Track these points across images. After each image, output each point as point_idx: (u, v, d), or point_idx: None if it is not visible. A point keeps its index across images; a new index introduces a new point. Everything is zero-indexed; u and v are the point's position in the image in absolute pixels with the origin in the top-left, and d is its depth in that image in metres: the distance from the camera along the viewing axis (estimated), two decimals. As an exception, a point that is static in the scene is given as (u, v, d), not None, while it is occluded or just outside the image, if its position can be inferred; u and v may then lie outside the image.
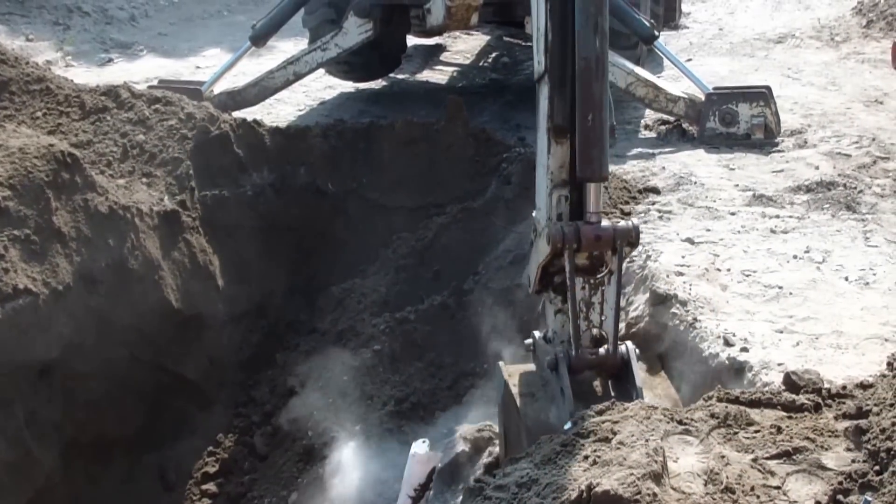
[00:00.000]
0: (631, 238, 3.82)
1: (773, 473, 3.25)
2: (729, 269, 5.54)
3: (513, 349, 5.31)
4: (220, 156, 7.17)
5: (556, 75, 3.80)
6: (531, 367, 4.33)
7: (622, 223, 3.81)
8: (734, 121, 8.37)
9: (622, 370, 3.98)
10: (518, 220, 6.95)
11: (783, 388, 3.92)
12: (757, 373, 4.43)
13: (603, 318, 3.94)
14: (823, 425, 3.52)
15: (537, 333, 4.26)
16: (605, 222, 3.80)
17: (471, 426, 5.05)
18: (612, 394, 4.03)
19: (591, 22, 3.52)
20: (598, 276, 3.89)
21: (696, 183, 7.21)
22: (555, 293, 4.10)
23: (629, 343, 4.02)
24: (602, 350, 3.97)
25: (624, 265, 5.27)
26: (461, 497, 4.88)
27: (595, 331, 3.98)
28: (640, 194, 7.00)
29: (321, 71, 10.21)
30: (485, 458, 4.94)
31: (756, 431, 3.48)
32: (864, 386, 3.81)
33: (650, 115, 9.26)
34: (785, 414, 3.63)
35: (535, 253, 4.11)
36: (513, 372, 4.34)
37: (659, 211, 6.61)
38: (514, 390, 4.22)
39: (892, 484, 3.07)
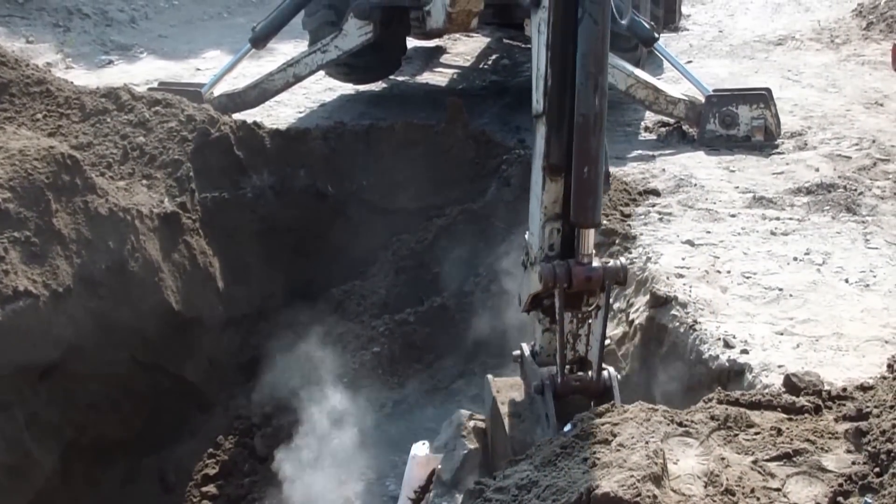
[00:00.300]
0: (619, 278, 3.93)
1: (773, 475, 3.25)
2: (729, 271, 5.54)
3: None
4: (221, 158, 7.17)
5: (553, 118, 3.92)
6: (518, 381, 4.48)
7: (611, 263, 3.92)
8: (734, 123, 8.37)
9: (605, 394, 4.13)
10: (517, 222, 6.94)
11: (783, 390, 3.92)
12: (757, 375, 4.43)
13: (588, 347, 4.10)
14: (823, 427, 3.52)
15: (525, 346, 4.38)
16: (595, 262, 3.91)
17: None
18: None
19: (591, 81, 3.62)
20: (586, 310, 4.06)
21: (696, 185, 7.22)
22: (543, 314, 4.25)
23: (611, 369, 4.17)
24: (586, 374, 4.14)
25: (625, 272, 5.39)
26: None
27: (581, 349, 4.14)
28: (640, 196, 7.00)
29: (321, 73, 10.21)
30: None
31: (756, 433, 3.48)
32: (864, 388, 3.81)
33: (650, 117, 9.27)
34: (785, 416, 3.63)
35: (527, 282, 4.26)
36: (501, 387, 4.46)
37: (659, 213, 6.61)
38: (503, 409, 4.35)
39: (892, 486, 3.07)
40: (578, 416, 3.73)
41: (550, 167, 3.97)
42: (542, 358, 4.25)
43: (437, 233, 7.17)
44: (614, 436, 3.38)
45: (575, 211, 3.79)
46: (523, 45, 12.00)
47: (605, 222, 6.28)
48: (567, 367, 4.11)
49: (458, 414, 4.49)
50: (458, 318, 6.53)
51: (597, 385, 4.11)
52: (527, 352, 4.36)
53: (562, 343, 4.06)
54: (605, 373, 4.12)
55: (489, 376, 4.65)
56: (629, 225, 6.36)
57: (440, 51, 13.07)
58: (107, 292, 5.80)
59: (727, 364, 4.62)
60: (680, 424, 3.50)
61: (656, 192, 7.10)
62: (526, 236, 4.40)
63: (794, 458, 3.32)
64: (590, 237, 3.87)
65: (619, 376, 4.24)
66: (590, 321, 4.08)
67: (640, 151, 8.34)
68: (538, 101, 4.03)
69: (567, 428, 3.68)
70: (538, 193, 4.09)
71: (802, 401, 3.72)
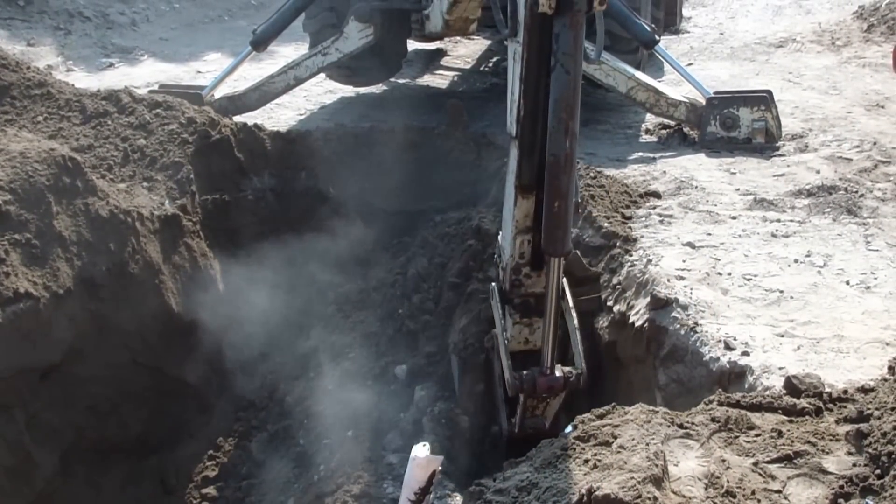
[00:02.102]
0: (577, 387, 4.39)
1: (773, 477, 3.25)
2: (730, 273, 5.54)
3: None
4: (221, 160, 7.17)
5: (525, 144, 4.17)
6: None
7: (573, 375, 4.34)
8: (735, 125, 8.38)
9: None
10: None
11: (784, 392, 3.92)
12: (758, 377, 4.42)
13: (545, 411, 4.69)
14: (824, 429, 3.52)
15: (497, 332, 4.73)
16: (557, 372, 4.33)
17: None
18: None
19: (562, 125, 3.81)
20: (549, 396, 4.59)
21: (696, 187, 7.22)
22: (514, 310, 4.65)
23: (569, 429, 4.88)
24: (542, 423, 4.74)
25: (624, 270, 5.40)
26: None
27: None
28: (640, 198, 7.00)
29: (322, 75, 10.22)
30: None
31: (757, 435, 3.48)
32: (865, 390, 3.82)
33: (651, 120, 9.27)
34: (786, 418, 3.63)
35: (494, 307, 4.74)
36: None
37: (660, 215, 6.61)
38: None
39: (893, 488, 3.07)
40: (579, 417, 3.74)
41: (522, 186, 4.24)
42: (513, 346, 4.64)
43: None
44: (615, 437, 3.39)
45: (545, 241, 4.01)
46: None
47: (605, 224, 6.29)
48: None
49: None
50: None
51: (548, 432, 4.60)
52: (500, 345, 4.68)
53: (523, 412, 4.63)
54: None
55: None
56: (630, 227, 6.36)
57: (441, 53, 13.09)
58: (107, 294, 5.79)
59: (728, 366, 4.61)
60: (680, 426, 3.50)
61: (657, 195, 7.10)
62: (499, 239, 4.75)
63: (795, 460, 3.33)
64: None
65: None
66: (549, 400, 4.60)
67: (640, 154, 8.34)
68: (511, 125, 4.27)
69: (568, 429, 3.69)
70: (510, 208, 4.40)
71: (803, 403, 3.72)
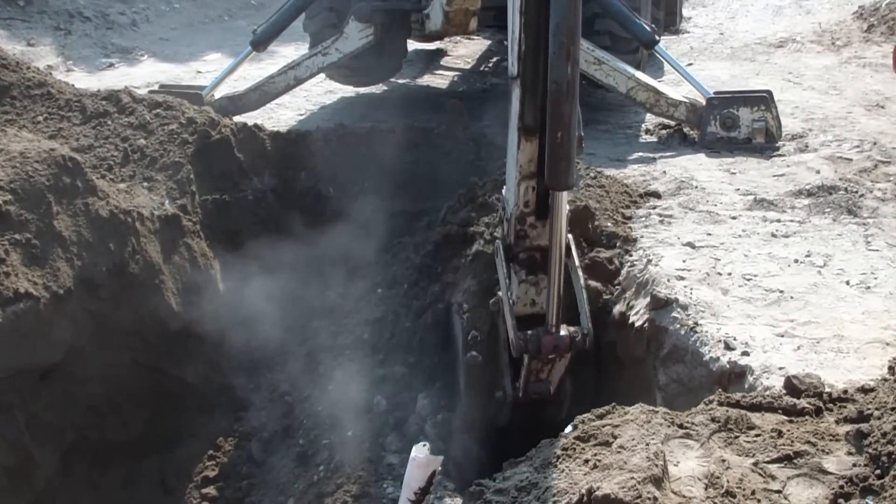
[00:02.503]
0: (583, 347, 4.36)
1: (773, 477, 3.25)
2: (730, 274, 5.54)
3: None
4: (221, 160, 7.17)
5: (527, 80, 4.05)
6: None
7: (578, 335, 4.31)
8: (735, 125, 8.38)
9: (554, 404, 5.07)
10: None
11: (784, 392, 3.92)
12: (758, 377, 4.42)
13: (550, 375, 4.63)
14: (824, 429, 3.52)
15: (502, 293, 4.62)
16: (562, 331, 4.28)
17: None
18: None
19: (563, 50, 3.72)
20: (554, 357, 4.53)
21: (696, 187, 7.22)
22: (520, 266, 4.51)
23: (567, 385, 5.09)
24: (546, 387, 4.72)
25: (624, 270, 5.42)
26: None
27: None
28: (641, 198, 7.00)
29: (322, 75, 10.22)
30: None
31: (757, 435, 3.48)
32: (865, 390, 3.81)
33: (651, 120, 9.27)
34: (786, 418, 3.63)
35: (499, 266, 4.62)
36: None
37: (660, 215, 6.61)
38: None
39: (893, 488, 3.07)
40: (579, 417, 3.74)
41: (525, 128, 4.11)
42: (519, 307, 4.54)
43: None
44: (615, 437, 3.39)
45: (549, 175, 3.91)
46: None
47: (606, 224, 6.29)
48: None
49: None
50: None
51: (552, 397, 4.75)
52: (504, 304, 4.58)
53: (527, 374, 4.56)
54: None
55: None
56: (630, 227, 6.36)
57: (441, 53, 13.09)
58: (107, 294, 5.79)
59: (728, 366, 4.61)
60: (680, 426, 3.50)
61: (657, 195, 7.10)
62: (503, 191, 4.61)
63: (795, 460, 3.32)
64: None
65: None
66: (551, 364, 4.54)
67: (640, 154, 8.35)
68: (513, 64, 4.15)
69: (568, 429, 3.69)
70: (514, 153, 4.24)
71: (803, 403, 3.72)
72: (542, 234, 4.37)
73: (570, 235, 4.42)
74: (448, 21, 8.31)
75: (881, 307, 5.06)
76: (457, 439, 5.62)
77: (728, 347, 4.72)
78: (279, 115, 10.01)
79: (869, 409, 3.57)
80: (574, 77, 3.74)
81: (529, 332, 4.30)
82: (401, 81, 11.61)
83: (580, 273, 4.51)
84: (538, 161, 4.15)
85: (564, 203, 4.06)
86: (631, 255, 5.92)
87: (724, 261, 5.73)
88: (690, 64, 11.52)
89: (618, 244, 6.09)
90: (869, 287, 5.33)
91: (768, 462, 3.32)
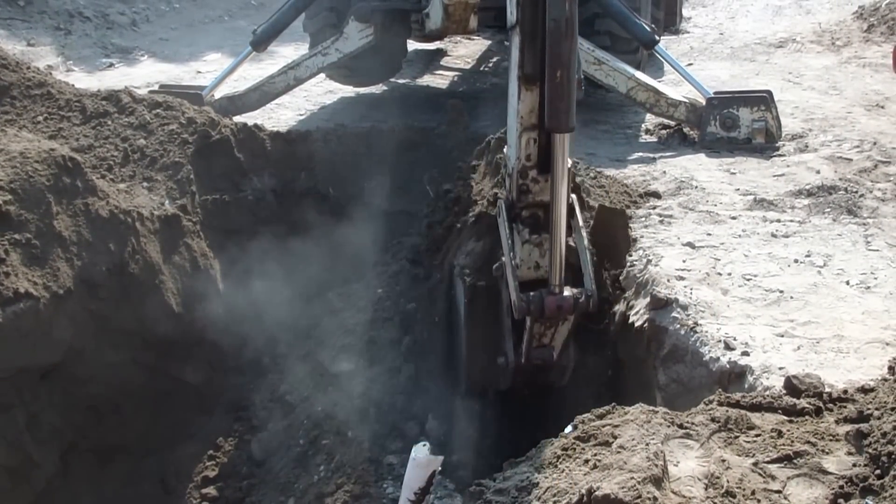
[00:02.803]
0: (587, 309, 4.33)
1: (773, 477, 3.25)
2: (730, 274, 5.54)
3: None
4: (221, 160, 7.16)
5: (526, 27, 4.00)
6: None
7: (582, 296, 4.28)
8: (735, 125, 8.38)
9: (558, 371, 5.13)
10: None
11: (784, 392, 3.92)
12: (758, 377, 4.42)
13: (553, 339, 4.63)
14: (824, 429, 3.51)
15: (507, 269, 4.54)
16: (566, 291, 4.24)
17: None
18: None
19: None
20: (557, 320, 4.53)
21: (696, 187, 7.22)
22: (522, 225, 4.46)
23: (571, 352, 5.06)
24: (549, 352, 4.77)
25: (625, 270, 5.41)
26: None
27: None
28: (640, 198, 7.00)
29: (322, 76, 10.22)
30: None
31: (757, 435, 3.48)
32: (865, 390, 3.81)
33: (651, 120, 9.27)
34: (786, 418, 3.63)
35: (502, 227, 4.52)
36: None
37: (660, 215, 6.61)
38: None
39: (893, 488, 3.06)
40: (579, 417, 3.73)
41: (525, 77, 4.06)
42: (523, 271, 4.47)
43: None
44: (615, 437, 3.38)
45: (549, 116, 3.87)
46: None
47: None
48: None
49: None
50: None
51: (555, 364, 4.77)
52: (507, 266, 4.51)
53: (529, 340, 4.53)
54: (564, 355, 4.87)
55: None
56: (630, 227, 6.36)
57: (441, 53, 13.09)
58: (107, 294, 5.79)
59: (728, 366, 4.61)
60: (680, 426, 3.49)
61: (657, 195, 7.10)
62: (505, 150, 4.58)
63: (795, 460, 3.32)
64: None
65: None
66: (555, 327, 4.53)
67: (640, 154, 8.35)
68: (512, 13, 4.10)
69: (568, 429, 3.68)
70: (514, 105, 4.19)
71: (803, 403, 3.72)
72: (544, 190, 4.29)
73: (573, 196, 4.34)
74: (448, 17, 8.29)
75: (881, 307, 5.06)
76: (459, 407, 5.63)
77: (728, 347, 4.71)
78: (279, 116, 10.01)
79: (869, 409, 3.57)
80: (573, 15, 3.70)
81: (532, 293, 4.24)
82: (401, 81, 11.61)
83: (584, 233, 4.44)
84: (539, 111, 4.09)
85: (566, 150, 3.98)
86: (631, 255, 5.92)
87: (723, 261, 5.73)
88: (690, 64, 11.52)
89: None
90: (869, 287, 5.33)
91: (768, 462, 3.32)
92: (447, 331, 5.83)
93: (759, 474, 3.26)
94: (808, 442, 3.43)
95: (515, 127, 4.21)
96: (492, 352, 5.16)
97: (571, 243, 4.52)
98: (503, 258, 4.59)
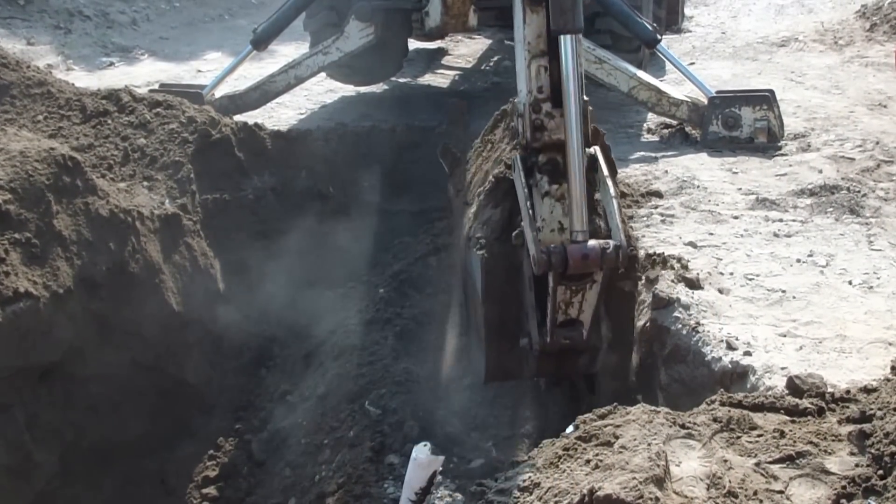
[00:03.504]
0: (615, 263, 3.90)
1: (776, 478, 3.24)
2: (732, 273, 5.53)
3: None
4: (222, 159, 7.15)
5: None
6: None
7: (610, 247, 3.85)
8: (737, 124, 8.36)
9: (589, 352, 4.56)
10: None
11: (786, 392, 3.91)
12: (760, 377, 4.41)
13: (581, 311, 4.15)
14: (827, 429, 3.50)
15: (526, 226, 4.12)
16: (591, 242, 3.83)
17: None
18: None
19: None
20: (583, 283, 4.03)
21: (698, 187, 7.20)
22: (541, 174, 4.08)
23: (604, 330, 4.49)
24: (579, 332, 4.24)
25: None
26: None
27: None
28: (642, 198, 6.98)
29: (322, 75, 10.21)
30: None
31: (759, 436, 3.47)
32: (867, 390, 3.80)
33: (653, 119, 9.25)
34: (788, 418, 3.62)
35: (518, 184, 4.17)
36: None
37: (661, 215, 6.60)
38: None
39: (895, 488, 3.05)
40: (581, 417, 3.72)
41: None
42: (546, 234, 4.04)
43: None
44: (617, 438, 3.37)
45: (554, 18, 3.67)
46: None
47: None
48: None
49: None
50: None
51: (585, 343, 4.25)
52: (525, 223, 4.09)
53: (553, 308, 4.06)
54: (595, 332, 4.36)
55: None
56: (631, 227, 6.34)
57: (442, 52, 13.08)
58: (107, 294, 5.78)
59: (730, 366, 4.60)
60: (682, 426, 3.48)
61: (659, 194, 7.09)
62: (513, 100, 4.32)
63: (798, 461, 3.31)
64: (581, 207, 3.76)
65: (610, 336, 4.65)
66: (584, 292, 4.04)
67: (642, 153, 8.33)
68: None
69: (569, 429, 3.68)
70: (520, 32, 3.98)
71: (805, 403, 3.71)
72: (560, 127, 3.95)
73: (596, 148, 4.02)
74: (447, 12, 8.27)
75: (884, 307, 5.04)
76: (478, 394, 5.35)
77: (730, 347, 4.70)
78: (280, 115, 10.00)
79: (871, 409, 3.56)
80: None
81: (553, 244, 3.84)
82: (401, 81, 11.60)
83: (609, 182, 4.08)
84: (547, 36, 3.86)
85: (577, 56, 3.71)
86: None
87: (726, 260, 5.72)
88: (692, 63, 11.50)
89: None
90: (871, 287, 5.31)
91: (770, 462, 3.31)
92: (464, 314, 5.41)
93: (762, 474, 3.25)
94: (811, 442, 3.42)
95: (524, 56, 3.96)
96: (514, 334, 4.60)
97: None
98: (522, 224, 4.17)
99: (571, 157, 3.81)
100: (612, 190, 4.08)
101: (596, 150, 4.12)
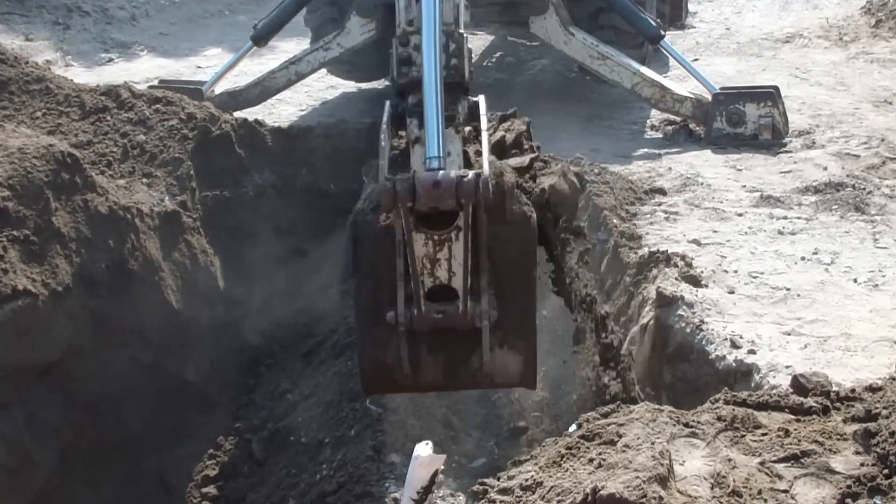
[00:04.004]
0: (476, 196, 3.23)
1: (780, 477, 3.21)
2: (736, 271, 5.50)
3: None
4: (222, 156, 7.13)
5: None
6: None
7: (471, 173, 3.25)
8: (741, 121, 8.32)
9: (474, 333, 3.60)
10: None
11: (791, 390, 3.88)
12: (764, 375, 4.38)
13: (452, 273, 3.46)
14: (832, 428, 3.48)
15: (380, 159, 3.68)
16: (451, 172, 3.26)
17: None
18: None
19: None
20: (444, 232, 3.38)
21: (702, 184, 7.17)
22: (410, 117, 3.73)
23: (485, 301, 3.56)
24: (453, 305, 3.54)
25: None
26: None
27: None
28: (646, 195, 6.95)
29: (323, 71, 10.19)
30: None
31: (763, 434, 3.44)
32: (873, 389, 3.77)
33: (656, 116, 9.22)
34: (793, 417, 3.59)
35: (384, 135, 3.85)
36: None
37: (665, 212, 6.57)
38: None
39: (902, 488, 3.03)
40: (584, 416, 3.70)
41: None
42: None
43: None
44: (620, 436, 3.35)
45: None
46: (527, 43, 11.97)
47: (614, 221, 6.24)
48: None
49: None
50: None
51: (463, 319, 3.54)
52: (381, 152, 3.68)
53: (415, 270, 3.42)
54: (477, 307, 3.52)
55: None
56: (635, 224, 6.32)
57: (444, 49, 13.02)
58: (106, 291, 5.77)
59: (734, 364, 4.57)
60: (686, 425, 3.46)
61: (662, 191, 7.06)
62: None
63: (802, 460, 3.28)
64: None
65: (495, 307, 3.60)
66: (449, 244, 3.40)
67: (646, 150, 8.30)
68: None
69: (572, 428, 3.65)
70: None
71: (810, 402, 3.68)
72: None
73: (482, 97, 3.68)
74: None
75: (889, 305, 5.01)
76: None
77: (734, 345, 4.67)
78: (280, 111, 9.98)
79: (877, 408, 3.53)
80: None
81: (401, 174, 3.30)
82: (404, 77, 11.55)
83: (485, 134, 3.65)
84: None
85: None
86: (636, 254, 5.88)
87: (730, 258, 5.69)
88: (696, 59, 11.47)
89: (622, 241, 6.04)
90: (877, 285, 5.28)
91: (775, 461, 3.28)
92: None
93: (766, 474, 3.22)
94: (816, 441, 3.39)
95: None
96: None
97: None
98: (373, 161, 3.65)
99: (426, 75, 3.47)
100: (485, 122, 3.76)
101: (481, 98, 3.84)
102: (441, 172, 3.26)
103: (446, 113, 3.58)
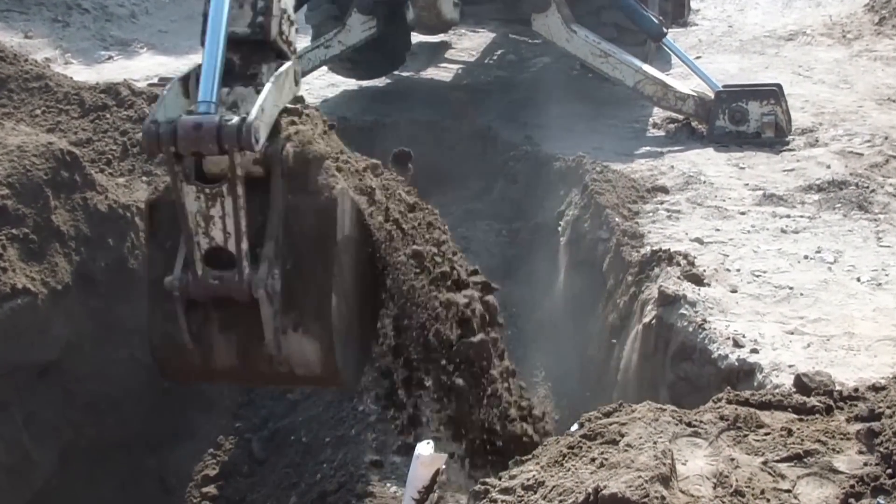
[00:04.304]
0: (239, 142, 2.97)
1: (783, 476, 3.20)
2: (739, 270, 5.48)
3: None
4: (222, 154, 7.11)
5: None
6: None
7: (235, 118, 3.02)
8: (744, 119, 8.29)
9: (253, 304, 3.24)
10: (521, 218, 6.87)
11: (794, 390, 3.86)
12: (767, 374, 4.37)
13: (228, 234, 3.19)
14: (835, 428, 3.46)
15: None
16: (214, 117, 3.00)
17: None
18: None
19: None
20: (216, 186, 3.13)
21: (705, 182, 7.15)
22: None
23: (263, 268, 3.21)
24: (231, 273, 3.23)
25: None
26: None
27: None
28: (648, 193, 6.94)
29: (324, 68, 10.17)
30: None
31: (766, 434, 3.43)
32: (876, 388, 3.75)
33: (659, 114, 9.20)
34: (796, 416, 3.58)
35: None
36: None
37: (668, 210, 6.55)
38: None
39: (906, 488, 3.01)
40: (585, 415, 3.68)
41: None
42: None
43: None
44: (622, 436, 3.34)
45: None
46: (529, 41, 11.95)
47: (616, 220, 6.22)
48: None
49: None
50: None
51: (240, 287, 3.21)
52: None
53: (187, 228, 3.17)
54: (256, 272, 3.19)
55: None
56: (637, 222, 6.30)
57: (445, 46, 13.03)
58: (106, 290, 5.76)
59: (737, 364, 4.55)
60: (689, 425, 3.45)
61: (665, 190, 7.03)
62: None
63: (805, 459, 3.27)
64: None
65: (276, 276, 3.23)
66: (221, 199, 3.14)
67: (648, 148, 8.28)
68: None
69: (574, 427, 3.64)
70: None
71: (813, 401, 3.66)
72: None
73: (291, 63, 3.36)
74: (415, 4, 8.20)
75: (892, 304, 4.99)
76: None
77: (737, 345, 4.66)
78: (282, 110, 9.95)
79: (880, 407, 3.52)
80: None
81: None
82: (404, 74, 11.54)
83: (272, 84, 3.24)
84: None
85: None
86: (638, 252, 5.86)
87: (732, 257, 5.67)
88: (699, 57, 11.43)
89: (624, 239, 6.03)
90: (880, 284, 5.26)
91: (778, 461, 3.27)
92: None
93: (769, 473, 3.21)
94: (819, 441, 3.38)
95: None
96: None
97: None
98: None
99: (211, 20, 3.33)
100: (267, 88, 3.24)
101: (286, 64, 3.41)
102: (206, 116, 3.03)
103: (249, 71, 3.37)
